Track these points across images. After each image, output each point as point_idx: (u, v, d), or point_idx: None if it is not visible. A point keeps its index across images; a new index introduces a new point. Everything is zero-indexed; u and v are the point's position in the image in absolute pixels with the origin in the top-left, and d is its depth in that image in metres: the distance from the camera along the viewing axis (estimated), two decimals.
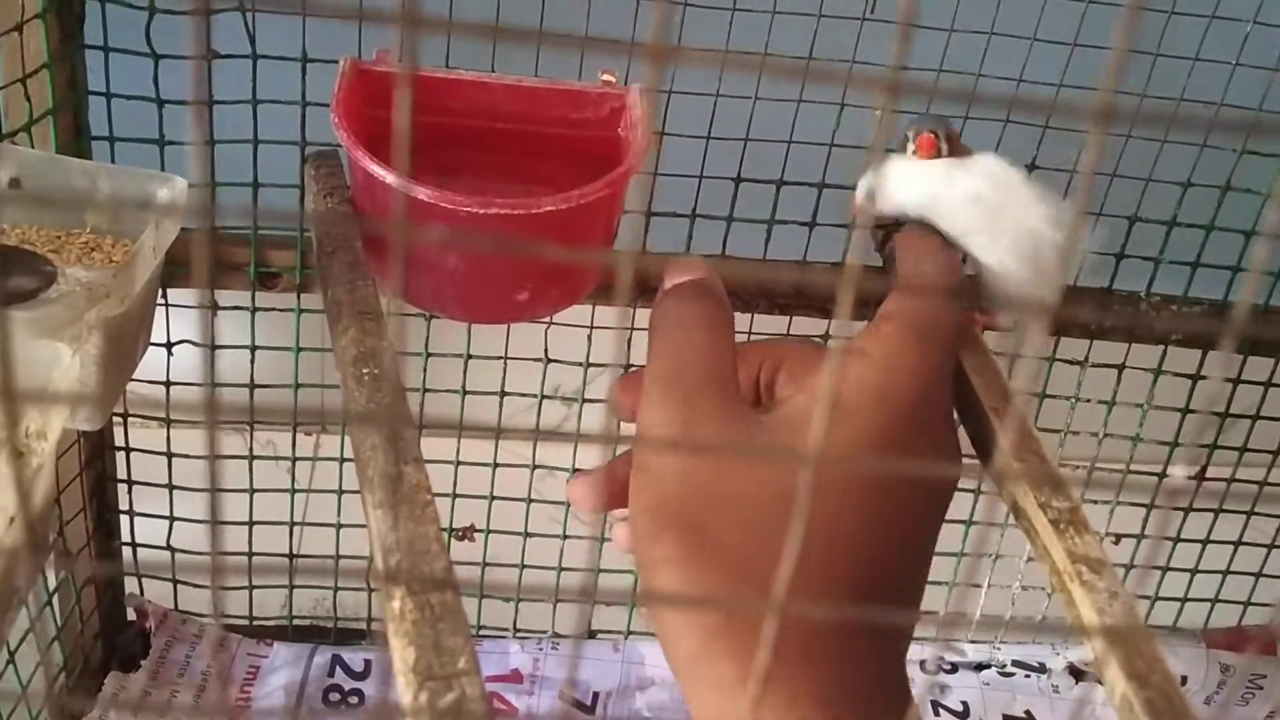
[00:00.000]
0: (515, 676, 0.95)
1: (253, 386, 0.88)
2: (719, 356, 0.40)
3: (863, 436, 0.39)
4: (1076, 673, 1.02)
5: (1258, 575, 1.03)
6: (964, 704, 1.00)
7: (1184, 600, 1.04)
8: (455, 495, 0.94)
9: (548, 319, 0.87)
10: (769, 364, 0.45)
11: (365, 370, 0.60)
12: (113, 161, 0.80)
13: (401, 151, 0.17)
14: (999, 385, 0.72)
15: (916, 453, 0.39)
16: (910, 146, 0.66)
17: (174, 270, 0.82)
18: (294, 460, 0.91)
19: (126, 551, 0.93)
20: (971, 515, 0.98)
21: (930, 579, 1.06)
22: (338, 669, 0.94)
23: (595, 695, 0.95)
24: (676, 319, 0.41)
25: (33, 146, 0.72)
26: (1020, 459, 0.67)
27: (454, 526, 0.97)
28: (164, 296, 0.83)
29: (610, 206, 0.78)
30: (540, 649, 0.97)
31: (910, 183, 0.62)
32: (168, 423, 0.87)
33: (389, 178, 0.71)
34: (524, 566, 0.97)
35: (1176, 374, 0.96)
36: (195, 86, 0.16)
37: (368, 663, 0.95)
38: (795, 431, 0.38)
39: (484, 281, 0.76)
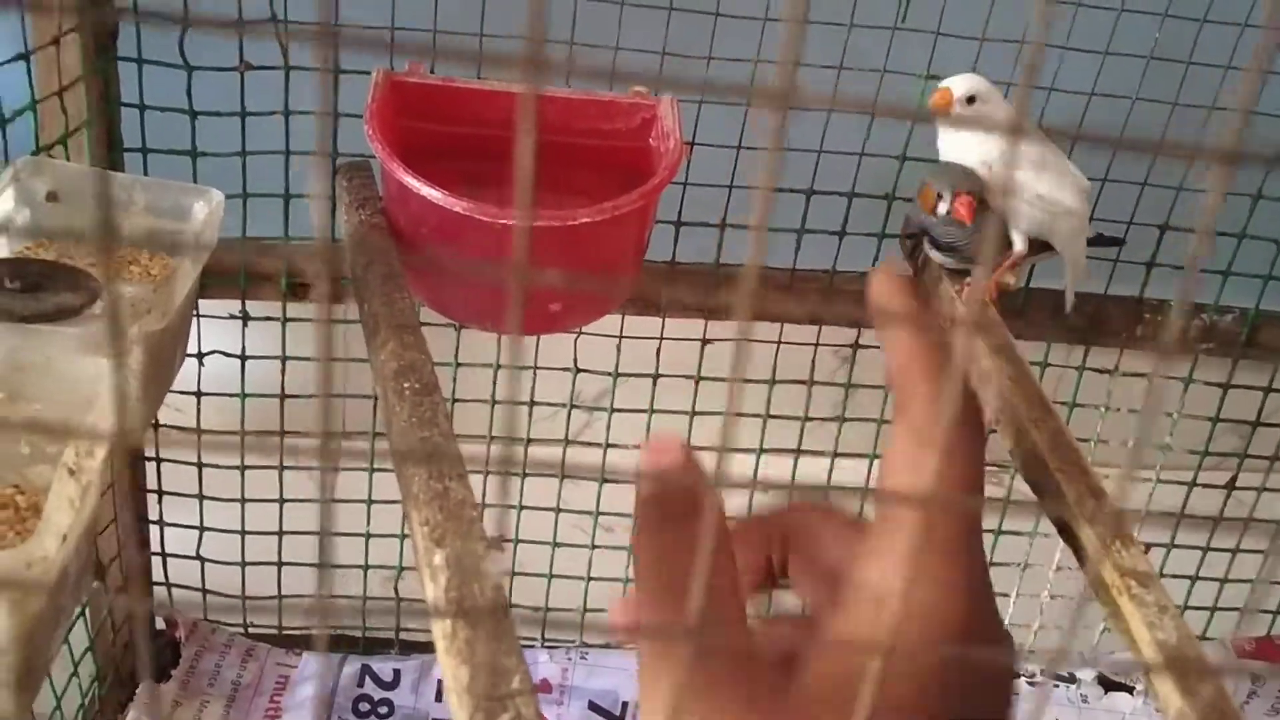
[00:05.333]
0: (544, 687, 0.95)
1: (283, 396, 0.88)
2: (721, 603, 0.31)
3: (927, 682, 0.32)
4: (1106, 682, 1.02)
5: None
6: None
7: (1213, 609, 1.04)
8: (484, 505, 0.94)
9: (578, 330, 0.87)
10: (777, 543, 0.38)
11: (406, 384, 0.60)
12: (145, 172, 0.80)
13: (524, 187, 0.17)
14: (1038, 397, 0.71)
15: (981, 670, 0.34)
16: (945, 206, 0.68)
17: (205, 282, 0.82)
18: (323, 469, 0.91)
19: (156, 561, 0.93)
20: (1000, 525, 0.98)
21: None
22: (367, 679, 0.94)
23: (624, 705, 0.95)
24: (663, 555, 0.32)
25: (68, 159, 0.73)
26: (1061, 471, 0.67)
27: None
28: (195, 307, 0.83)
29: (643, 218, 0.78)
30: (569, 659, 0.97)
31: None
32: (199, 433, 0.87)
33: (425, 190, 0.71)
34: (552, 576, 0.96)
35: (1207, 383, 0.95)
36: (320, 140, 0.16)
37: (397, 672, 0.95)
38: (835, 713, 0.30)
39: None
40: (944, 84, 0.73)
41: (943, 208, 0.70)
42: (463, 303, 0.80)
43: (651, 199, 0.76)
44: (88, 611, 0.84)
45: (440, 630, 0.46)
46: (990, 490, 1.08)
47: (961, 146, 0.73)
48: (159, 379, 0.63)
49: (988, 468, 0.47)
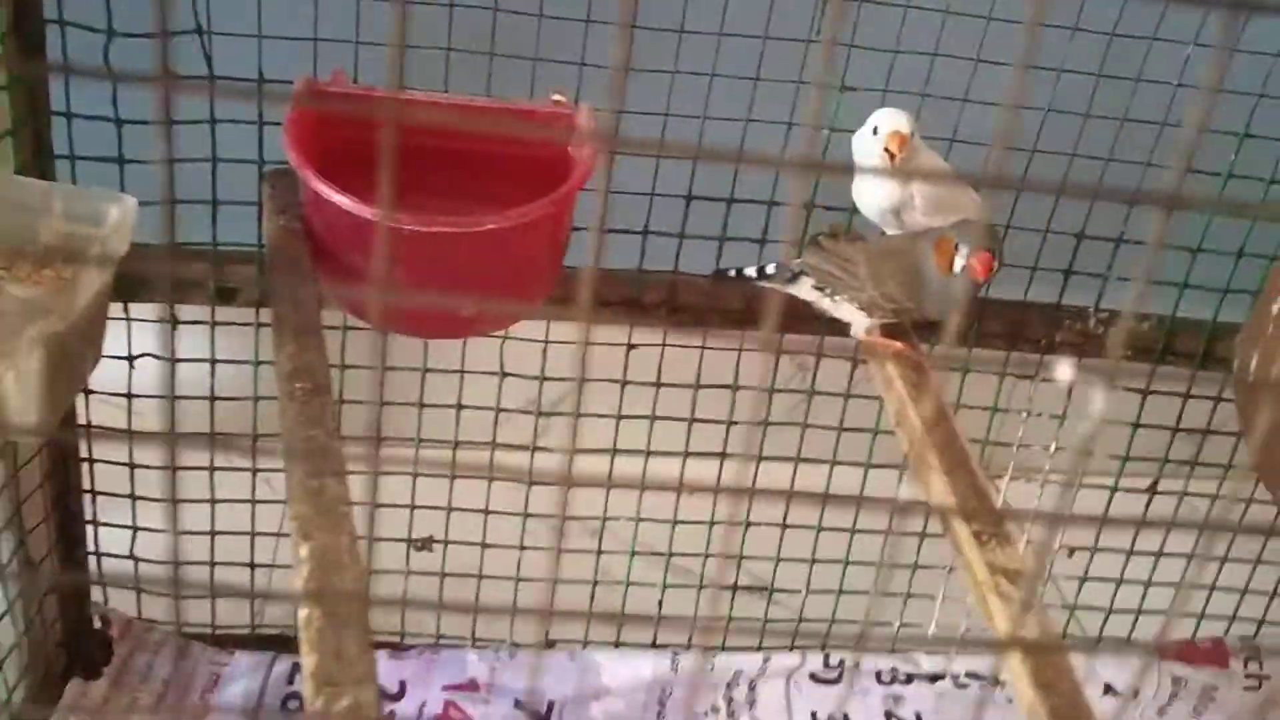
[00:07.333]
0: (472, 685, 0.96)
1: (213, 399, 0.90)
2: None
3: None
4: None
5: (1210, 589, 1.04)
6: (917, 714, 1.01)
7: (1138, 613, 1.05)
8: (414, 506, 0.96)
9: (503, 334, 0.89)
10: None
11: (298, 385, 0.61)
12: (74, 179, 0.81)
13: (386, 183, 0.19)
14: (935, 402, 0.73)
15: None
16: (961, 262, 0.69)
17: (136, 285, 0.84)
18: (254, 471, 0.93)
19: (91, 560, 0.94)
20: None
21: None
22: (297, 677, 0.95)
23: (550, 704, 0.96)
24: None
25: None
26: (949, 472, 0.69)
27: (413, 537, 0.99)
28: (125, 310, 0.84)
29: (555, 224, 0.80)
30: (498, 658, 0.98)
31: None
32: (129, 435, 0.89)
33: (335, 197, 0.73)
34: (482, 577, 0.98)
35: (1127, 389, 0.97)
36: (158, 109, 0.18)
37: None
38: None
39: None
40: (892, 128, 0.74)
41: (959, 263, 0.70)
42: (375, 307, 0.81)
43: (562, 206, 0.78)
44: (18, 607, 0.86)
45: (300, 620, 0.47)
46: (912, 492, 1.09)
47: (889, 185, 0.75)
48: (67, 378, 0.65)
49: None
